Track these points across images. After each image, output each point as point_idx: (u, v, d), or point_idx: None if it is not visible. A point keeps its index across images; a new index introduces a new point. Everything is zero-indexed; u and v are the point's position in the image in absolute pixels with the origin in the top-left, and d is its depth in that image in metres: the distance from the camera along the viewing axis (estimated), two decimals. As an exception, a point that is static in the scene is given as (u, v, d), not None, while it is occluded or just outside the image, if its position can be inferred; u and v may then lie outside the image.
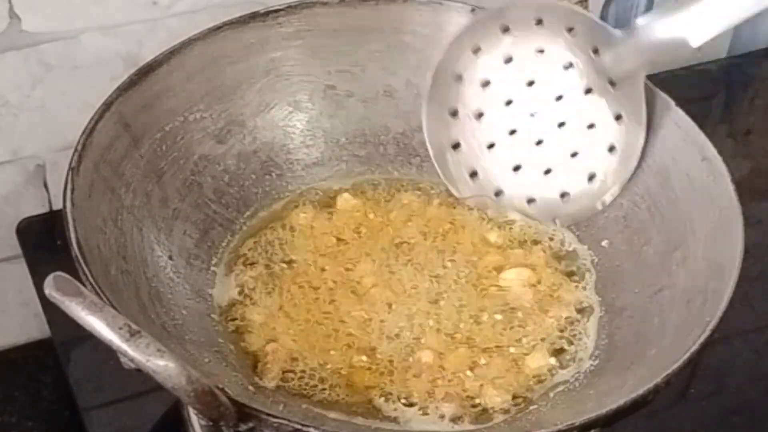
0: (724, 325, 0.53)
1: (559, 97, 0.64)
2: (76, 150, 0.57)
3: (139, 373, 0.45)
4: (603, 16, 0.92)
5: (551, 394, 0.58)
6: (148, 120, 0.63)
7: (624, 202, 0.64)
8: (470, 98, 0.66)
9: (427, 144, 0.67)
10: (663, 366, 0.51)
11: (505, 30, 0.64)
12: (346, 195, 0.68)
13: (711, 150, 0.61)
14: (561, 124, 0.65)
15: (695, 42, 0.60)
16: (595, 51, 0.63)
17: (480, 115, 0.66)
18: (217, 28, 0.66)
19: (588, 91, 0.63)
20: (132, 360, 0.45)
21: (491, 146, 0.66)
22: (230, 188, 0.66)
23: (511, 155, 0.66)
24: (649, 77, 0.65)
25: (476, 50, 0.65)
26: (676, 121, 0.63)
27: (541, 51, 0.64)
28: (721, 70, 1.00)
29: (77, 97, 0.74)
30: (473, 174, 0.67)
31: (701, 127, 0.62)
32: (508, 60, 0.65)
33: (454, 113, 0.66)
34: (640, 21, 0.62)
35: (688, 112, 0.63)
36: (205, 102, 0.66)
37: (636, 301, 0.61)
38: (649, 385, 0.50)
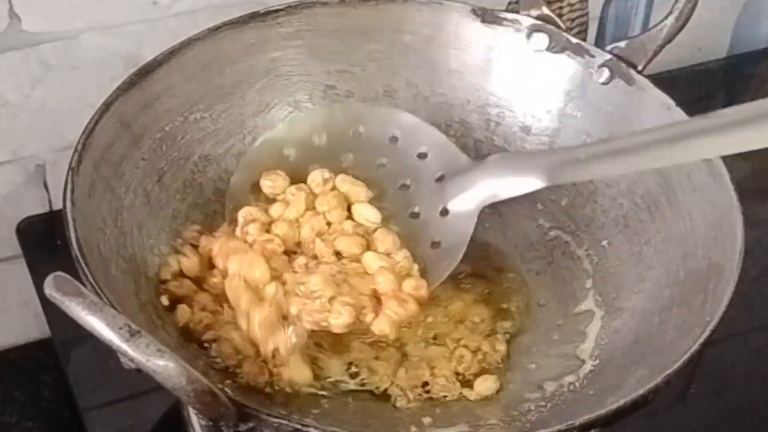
0: (724, 325, 0.53)
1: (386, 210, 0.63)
2: (76, 150, 0.57)
3: (139, 373, 0.45)
4: (603, 16, 0.92)
5: (551, 394, 0.58)
6: (148, 120, 0.63)
7: (624, 202, 0.64)
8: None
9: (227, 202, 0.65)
10: (663, 366, 0.51)
11: (358, 133, 0.65)
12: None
13: (711, 150, 0.61)
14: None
15: (536, 185, 0.59)
16: (440, 178, 0.63)
17: None
18: (217, 28, 0.66)
19: (416, 214, 0.63)
20: (132, 360, 0.45)
21: None
22: (230, 188, 0.66)
23: None
24: (649, 77, 0.65)
25: (316, 139, 0.65)
26: (676, 121, 0.63)
27: (383, 166, 0.64)
28: (721, 70, 1.00)
29: (77, 97, 0.74)
30: None
31: (701, 127, 0.62)
32: (348, 159, 0.64)
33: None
34: (494, 156, 0.62)
35: (688, 112, 0.63)
36: (205, 102, 0.66)
37: (636, 301, 0.61)
38: (649, 385, 0.50)
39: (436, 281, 0.61)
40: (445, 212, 0.61)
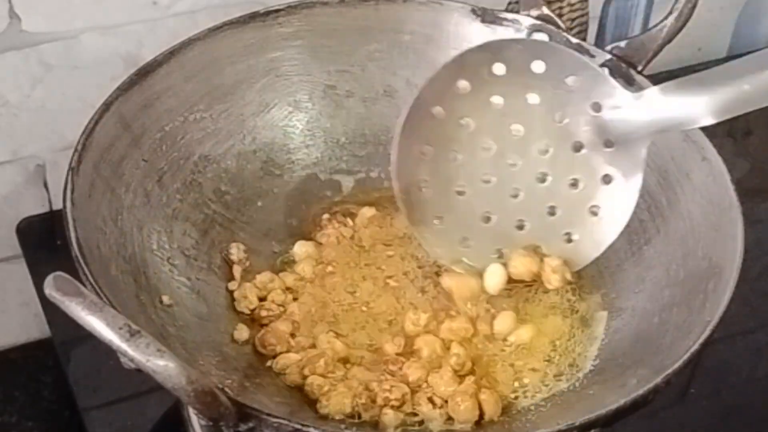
0: (724, 325, 0.53)
1: (545, 151, 0.60)
2: (76, 150, 0.57)
3: (139, 373, 0.45)
4: (603, 16, 0.92)
5: (552, 394, 0.58)
6: (148, 120, 0.63)
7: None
8: (447, 138, 0.62)
9: (393, 180, 0.63)
10: (663, 366, 0.51)
11: (499, 69, 0.60)
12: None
13: (711, 150, 0.61)
14: (542, 179, 0.61)
15: (705, 122, 0.55)
16: (597, 107, 0.59)
17: (455, 158, 0.62)
18: (217, 28, 0.66)
19: (578, 148, 0.59)
20: (132, 360, 0.45)
21: (461, 192, 0.63)
22: (230, 188, 0.66)
23: (482, 204, 0.63)
24: (650, 77, 0.65)
25: (462, 87, 0.60)
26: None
27: (534, 98, 0.60)
28: (721, 70, 0.99)
29: (77, 97, 0.74)
30: (438, 218, 0.63)
31: (701, 127, 0.62)
32: (496, 103, 0.60)
33: (427, 152, 0.62)
34: (654, 89, 0.57)
35: (688, 112, 0.63)
36: (205, 102, 0.66)
37: (636, 301, 0.61)
38: (649, 385, 0.50)
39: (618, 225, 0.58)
40: (610, 144, 0.57)
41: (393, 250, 0.65)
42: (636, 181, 0.59)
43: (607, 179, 0.60)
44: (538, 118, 0.60)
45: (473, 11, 0.68)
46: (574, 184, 0.60)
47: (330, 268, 0.64)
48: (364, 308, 0.62)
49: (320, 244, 0.65)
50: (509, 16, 0.68)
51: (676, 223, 0.61)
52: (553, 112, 0.60)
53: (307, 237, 0.66)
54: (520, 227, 0.63)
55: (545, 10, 0.67)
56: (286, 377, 0.58)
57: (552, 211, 0.62)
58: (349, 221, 0.66)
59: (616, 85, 0.59)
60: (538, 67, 0.59)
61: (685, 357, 0.51)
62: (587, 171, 0.60)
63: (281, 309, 0.62)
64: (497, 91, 0.60)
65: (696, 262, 0.59)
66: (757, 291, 0.76)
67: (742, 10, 0.99)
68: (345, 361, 0.59)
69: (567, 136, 0.60)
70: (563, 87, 0.60)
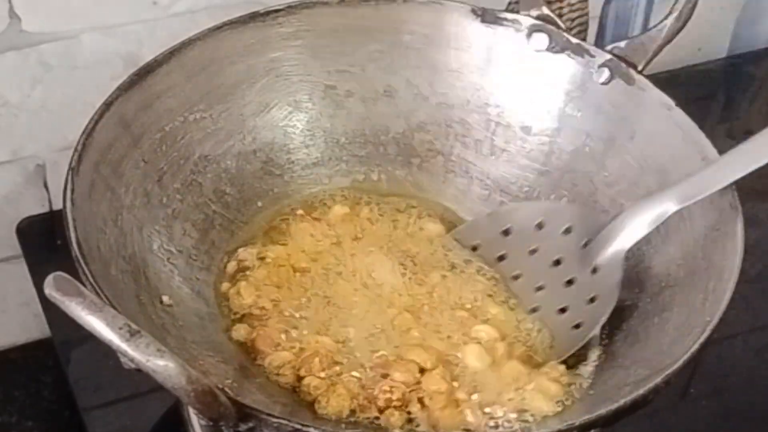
0: (724, 325, 0.53)
1: (540, 289, 0.64)
2: (76, 150, 0.57)
3: (139, 373, 0.45)
4: (603, 16, 0.92)
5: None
6: (148, 120, 0.63)
7: (624, 202, 0.64)
8: None
9: None
10: (663, 366, 0.51)
11: (505, 232, 0.65)
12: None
13: (711, 150, 0.61)
14: (534, 310, 0.63)
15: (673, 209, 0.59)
16: (587, 242, 0.62)
17: None
18: (217, 28, 0.66)
19: (570, 282, 0.63)
20: (132, 360, 0.45)
21: None
22: (230, 188, 0.66)
23: None
24: (650, 77, 0.65)
25: (474, 246, 0.66)
26: (676, 121, 0.63)
27: (534, 251, 0.64)
28: (721, 70, 1.00)
29: (77, 97, 0.74)
30: None
31: (701, 127, 0.62)
32: (501, 257, 0.65)
33: None
34: (627, 204, 0.62)
35: (688, 112, 0.63)
36: (205, 102, 0.66)
37: (636, 300, 0.61)
38: (649, 385, 0.50)
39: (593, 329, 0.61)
40: (595, 270, 0.62)
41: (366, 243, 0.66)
42: (614, 293, 0.61)
43: (592, 300, 0.62)
44: (536, 264, 0.64)
45: (473, 11, 0.68)
46: (563, 309, 0.62)
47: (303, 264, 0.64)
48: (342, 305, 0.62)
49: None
50: (509, 16, 0.68)
51: (676, 223, 0.61)
52: (551, 258, 0.64)
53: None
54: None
55: (545, 10, 0.67)
56: (279, 377, 0.58)
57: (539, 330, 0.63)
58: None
59: (599, 214, 0.64)
60: (540, 225, 0.65)
61: (685, 357, 0.51)
62: (577, 298, 0.62)
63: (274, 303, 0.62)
64: (503, 247, 0.65)
65: (696, 262, 0.59)
66: (757, 291, 0.76)
67: (742, 10, 0.99)
68: (334, 361, 0.59)
69: (561, 276, 0.63)
70: (560, 237, 0.64)
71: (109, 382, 0.68)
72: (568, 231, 0.64)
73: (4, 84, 0.73)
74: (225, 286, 0.62)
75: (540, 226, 0.65)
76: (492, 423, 0.56)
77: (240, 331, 0.60)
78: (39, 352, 0.81)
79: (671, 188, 0.60)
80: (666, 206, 0.59)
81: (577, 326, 0.61)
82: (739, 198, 0.59)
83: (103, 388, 0.69)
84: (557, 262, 0.64)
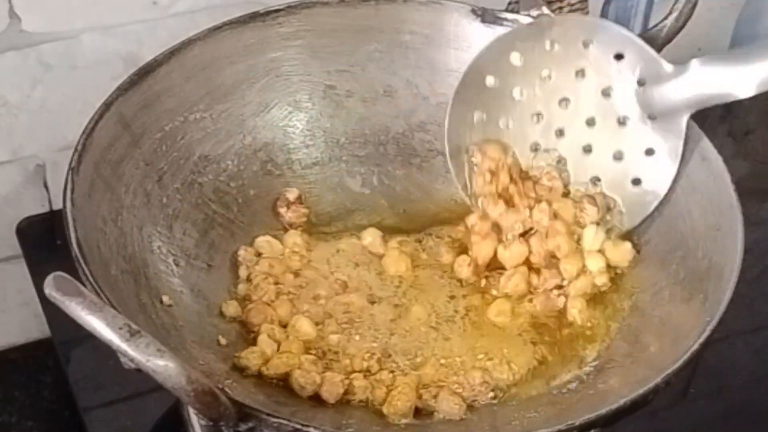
0: (724, 325, 0.53)
1: (591, 122, 0.62)
2: (76, 150, 0.57)
3: (139, 373, 0.45)
4: (603, 16, 0.92)
5: (552, 394, 0.58)
6: (148, 120, 0.63)
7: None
8: (497, 107, 0.65)
9: (445, 142, 0.66)
10: (663, 366, 0.51)
11: (550, 45, 0.63)
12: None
13: (711, 150, 0.61)
14: (587, 149, 0.63)
15: (744, 95, 0.57)
16: (642, 81, 0.60)
17: (505, 126, 0.65)
18: (217, 28, 0.66)
19: (622, 121, 0.61)
20: (132, 360, 0.45)
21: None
22: (230, 188, 0.66)
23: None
24: (649, 77, 0.65)
25: (514, 59, 0.63)
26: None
27: (582, 73, 0.62)
28: (721, 70, 0.99)
29: (77, 97, 0.74)
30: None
31: (701, 127, 0.62)
32: (546, 76, 0.63)
33: (478, 118, 0.65)
34: (696, 62, 0.59)
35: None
36: (205, 102, 0.66)
37: (636, 300, 0.61)
38: (649, 385, 0.50)
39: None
40: (653, 117, 0.59)
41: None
42: (676, 153, 0.59)
43: (649, 152, 0.61)
44: (585, 92, 0.62)
45: (473, 11, 0.68)
46: (619, 156, 0.61)
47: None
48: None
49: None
50: (509, 16, 0.68)
51: (676, 223, 0.61)
52: (600, 87, 0.62)
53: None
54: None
55: (545, 10, 0.67)
56: (268, 370, 0.58)
57: (595, 182, 0.63)
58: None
59: (660, 60, 0.61)
60: (586, 44, 0.62)
61: (685, 357, 0.51)
62: (631, 144, 0.61)
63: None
64: (547, 65, 0.63)
65: (696, 262, 0.59)
66: (757, 291, 0.76)
67: (742, 10, 0.99)
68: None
69: (613, 110, 0.61)
70: (611, 63, 0.61)
71: (109, 382, 0.68)
72: (619, 57, 0.60)
73: (4, 84, 0.73)
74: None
75: (585, 44, 0.62)
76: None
77: (230, 309, 0.61)
78: (39, 352, 0.81)
79: (753, 62, 0.56)
80: (743, 87, 0.56)
81: (636, 182, 0.59)
82: (739, 198, 0.59)
83: (103, 388, 0.69)
84: (606, 93, 0.61)
